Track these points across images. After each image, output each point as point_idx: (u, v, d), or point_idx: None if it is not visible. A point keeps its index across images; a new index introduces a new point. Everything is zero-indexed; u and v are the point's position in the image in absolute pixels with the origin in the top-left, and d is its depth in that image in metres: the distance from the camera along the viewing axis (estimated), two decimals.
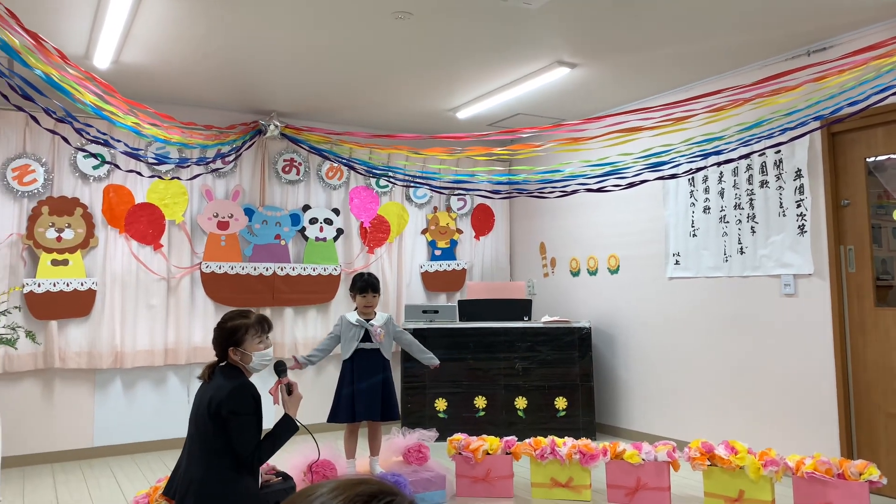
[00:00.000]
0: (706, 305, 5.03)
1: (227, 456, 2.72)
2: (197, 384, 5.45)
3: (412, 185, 5.74)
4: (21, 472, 4.79)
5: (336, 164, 6.09)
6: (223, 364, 2.90)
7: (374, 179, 6.39)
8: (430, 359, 4.26)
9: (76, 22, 3.96)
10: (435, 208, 6.84)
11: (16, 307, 4.90)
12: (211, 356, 5.64)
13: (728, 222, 4.90)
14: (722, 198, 4.96)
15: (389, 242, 6.49)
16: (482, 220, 7.04)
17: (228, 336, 2.87)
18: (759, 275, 4.68)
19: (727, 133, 4.26)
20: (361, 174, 5.59)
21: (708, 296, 5.02)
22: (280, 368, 3.08)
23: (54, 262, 5.08)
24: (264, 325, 2.95)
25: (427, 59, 4.60)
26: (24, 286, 4.96)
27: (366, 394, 3.95)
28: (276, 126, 5.52)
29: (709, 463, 3.75)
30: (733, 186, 4.88)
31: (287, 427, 2.87)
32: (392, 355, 4.25)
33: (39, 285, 5.00)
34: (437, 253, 6.79)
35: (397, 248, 6.56)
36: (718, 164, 4.41)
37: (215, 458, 2.72)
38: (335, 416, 3.98)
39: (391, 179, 5.61)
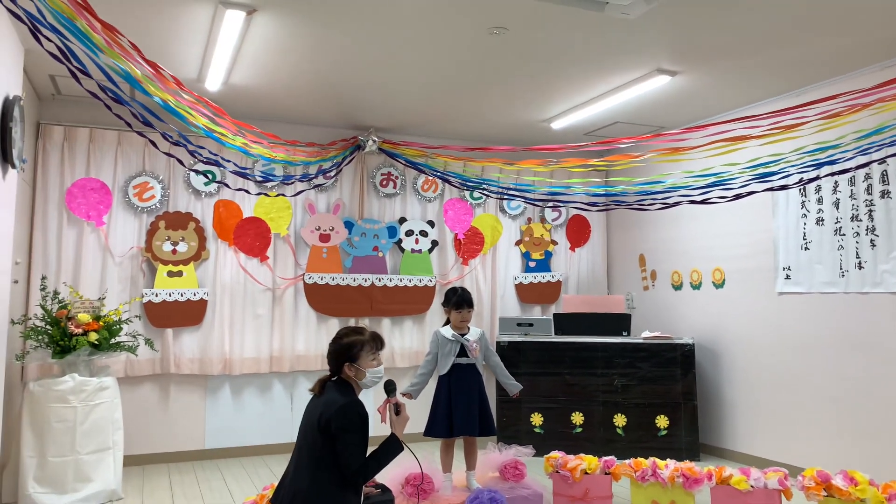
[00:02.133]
0: (820, 323, 4.73)
1: (333, 470, 2.77)
2: (300, 391, 5.69)
3: (506, 196, 5.73)
4: (140, 470, 5.11)
5: (431, 177, 6.16)
6: (335, 379, 2.97)
7: (469, 192, 6.42)
8: (513, 385, 4.23)
9: (190, 47, 4.20)
10: (529, 219, 6.79)
11: (136, 316, 5.24)
12: (313, 363, 5.84)
13: (844, 235, 4.60)
14: (837, 209, 4.66)
15: (483, 254, 6.50)
16: (578, 232, 6.93)
17: (344, 352, 2.93)
18: (880, 291, 4.36)
19: (843, 141, 4.01)
20: (456, 187, 5.63)
21: (822, 313, 4.72)
22: (390, 388, 3.09)
23: (170, 274, 5.41)
24: (378, 343, 3.00)
25: (522, 71, 4.59)
26: (143, 296, 5.31)
27: (463, 408, 3.96)
28: (375, 141, 5.67)
29: (825, 493, 3.51)
30: (850, 197, 4.58)
31: (393, 447, 2.89)
32: (483, 368, 4.25)
33: (157, 295, 5.34)
34: (532, 265, 6.73)
35: (491, 260, 6.56)
36: (833, 174, 4.15)
37: (321, 471, 2.78)
38: (431, 431, 4.01)
39: (485, 192, 5.63)
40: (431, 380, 4.18)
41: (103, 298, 4.88)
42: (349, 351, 2.92)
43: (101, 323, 4.53)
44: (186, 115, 3.66)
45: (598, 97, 5.12)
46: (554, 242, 6.84)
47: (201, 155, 3.90)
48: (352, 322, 5.94)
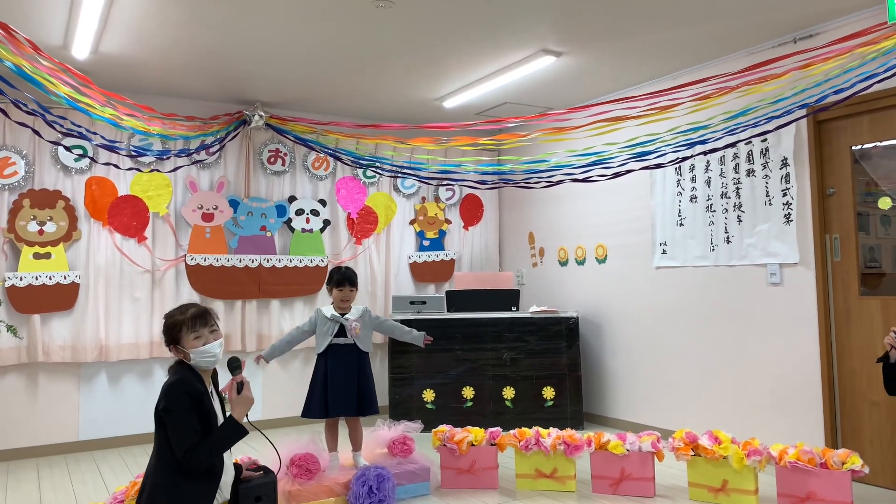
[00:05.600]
0: (693, 295, 5.01)
1: (170, 458, 2.59)
2: None
3: (399, 175, 5.70)
4: (5, 466, 4.77)
5: (322, 155, 6.03)
6: (179, 361, 2.82)
7: (361, 170, 6.34)
8: (417, 336, 4.21)
9: (53, 11, 3.88)
10: (423, 198, 6.80)
11: None
12: None
13: (715, 211, 4.88)
14: (709, 187, 4.93)
15: (377, 233, 6.45)
16: (471, 211, 7.00)
17: (166, 334, 2.77)
18: (745, 264, 4.67)
19: (713, 122, 4.23)
20: (348, 165, 5.54)
21: (695, 285, 5.00)
22: (233, 365, 2.88)
23: (36, 256, 5.03)
24: (200, 320, 2.77)
25: (411, 47, 4.55)
26: (5, 280, 4.91)
27: (339, 389, 3.90)
28: (261, 116, 5.47)
29: (692, 453, 3.75)
30: (720, 175, 4.85)
31: (231, 428, 2.68)
32: (373, 347, 4.21)
33: (21, 279, 4.96)
34: (426, 243, 6.75)
35: (385, 239, 6.52)
36: (704, 153, 4.38)
37: (161, 461, 2.61)
38: (308, 412, 3.95)
39: (378, 170, 5.57)
40: (309, 360, 4.07)
41: None
42: (170, 333, 2.75)
43: None
44: (45, 83, 3.39)
45: (487, 76, 5.16)
46: (448, 221, 6.88)
47: (62, 126, 3.62)
48: (237, 305, 5.76)
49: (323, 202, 6.23)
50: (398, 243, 6.63)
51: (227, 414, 2.83)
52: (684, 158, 4.49)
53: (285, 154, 6.08)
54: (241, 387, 2.81)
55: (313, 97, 5.76)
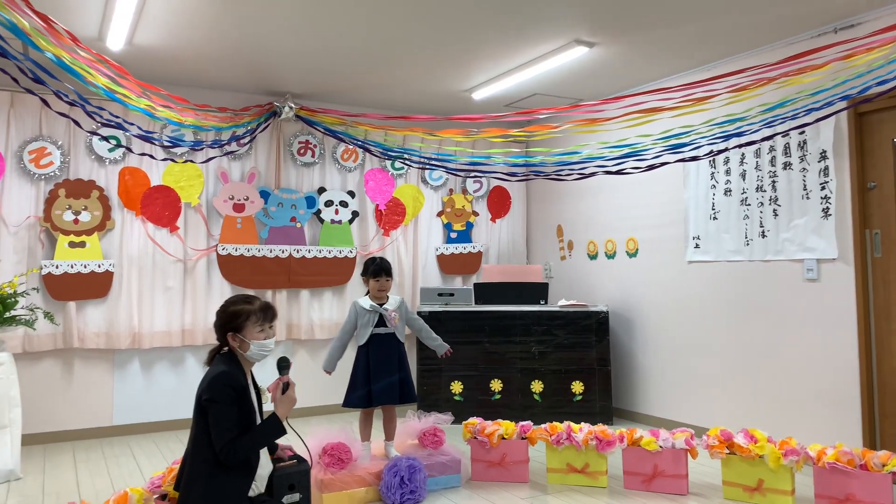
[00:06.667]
0: (726, 290, 4.94)
1: (209, 449, 2.62)
2: None
3: (428, 167, 5.68)
4: (42, 449, 4.86)
5: (351, 147, 6.04)
6: (224, 351, 2.84)
7: (390, 162, 6.34)
8: (440, 346, 4.23)
9: (89, 3, 3.92)
10: (451, 190, 6.78)
11: (34, 289, 4.93)
12: None
13: (749, 205, 4.80)
14: (743, 180, 4.85)
15: (405, 225, 6.45)
16: (498, 203, 6.97)
17: (228, 321, 2.78)
18: (781, 259, 4.58)
19: (750, 114, 4.15)
20: (377, 156, 5.54)
21: (728, 280, 4.93)
22: (283, 364, 2.95)
23: (71, 245, 5.10)
24: (269, 314, 2.83)
25: (441, 38, 4.52)
26: (41, 268, 5.00)
27: (382, 378, 3.92)
28: (291, 108, 5.49)
29: (727, 451, 3.70)
30: (755, 168, 4.77)
31: (272, 427, 2.73)
32: (406, 338, 4.22)
33: (57, 267, 5.03)
34: (453, 236, 6.74)
35: (413, 231, 6.52)
36: (740, 145, 4.30)
37: (198, 449, 2.64)
38: (350, 401, 3.96)
39: (406, 162, 5.56)
40: (349, 351, 4.11)
41: None
42: (234, 320, 2.76)
43: None
44: (84, 74, 3.42)
45: (517, 68, 5.12)
46: (475, 213, 6.85)
47: (101, 116, 3.65)
48: (267, 295, 5.80)
49: (352, 193, 6.24)
50: (426, 235, 6.62)
51: (260, 408, 2.86)
52: (720, 151, 4.41)
53: (315, 145, 6.10)
54: (286, 387, 2.86)
55: (342, 89, 5.76)
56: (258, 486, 2.82)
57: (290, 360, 2.99)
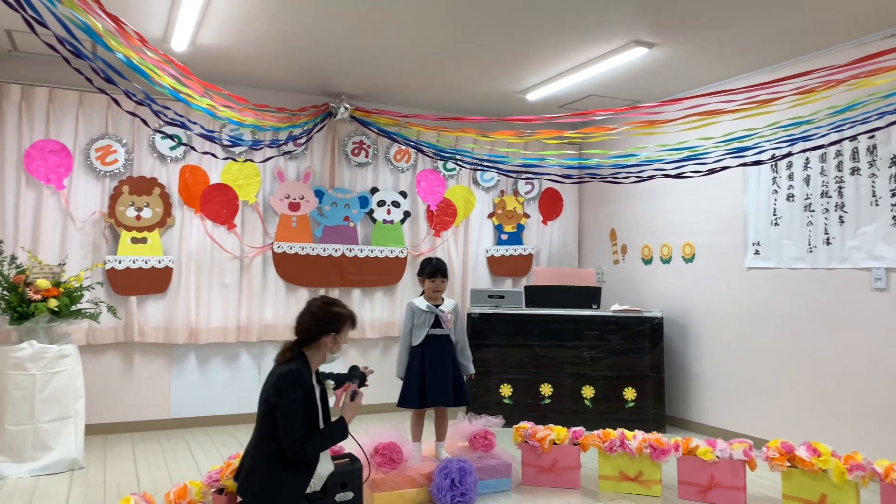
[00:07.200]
0: (788, 298, 4.79)
1: (275, 444, 2.67)
2: (268, 361, 5.59)
3: (480, 168, 5.66)
4: (103, 439, 5.01)
5: (404, 147, 6.07)
6: (299, 349, 2.88)
7: (442, 163, 6.34)
8: (468, 366, 4.16)
9: (156, 5, 4.03)
10: (502, 192, 6.75)
11: (98, 283, 5.10)
12: (281, 333, 5.76)
13: (814, 211, 4.64)
14: (807, 185, 4.69)
15: (456, 226, 6.45)
16: (550, 205, 6.91)
17: (332, 320, 2.86)
18: (847, 267, 4.42)
19: (817, 117, 4.01)
20: (429, 157, 5.55)
21: (790, 287, 4.78)
22: (355, 373, 3.10)
23: (134, 240, 5.26)
24: (355, 320, 3.01)
25: (496, 39, 4.50)
26: (105, 262, 5.16)
27: (437, 379, 3.91)
28: (346, 108, 5.54)
29: (788, 464, 3.58)
30: (820, 173, 4.61)
31: (339, 430, 2.83)
32: None
33: (120, 262, 5.19)
34: (504, 237, 6.71)
35: (463, 232, 6.52)
36: (807, 150, 4.16)
37: (261, 443, 2.69)
38: (405, 402, 3.96)
39: (459, 163, 5.56)
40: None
41: (63, 264, 4.73)
42: (337, 321, 2.87)
43: (61, 289, 4.39)
44: (151, 74, 3.51)
45: (573, 69, 5.06)
46: (526, 216, 6.81)
47: (167, 115, 3.75)
48: (321, 293, 5.86)
49: (404, 194, 6.27)
50: (476, 236, 6.61)
51: (322, 408, 2.91)
52: (785, 155, 4.28)
53: (369, 146, 6.14)
54: (354, 395, 2.99)
55: (397, 90, 5.79)
56: (315, 484, 2.85)
57: (361, 371, 3.09)
